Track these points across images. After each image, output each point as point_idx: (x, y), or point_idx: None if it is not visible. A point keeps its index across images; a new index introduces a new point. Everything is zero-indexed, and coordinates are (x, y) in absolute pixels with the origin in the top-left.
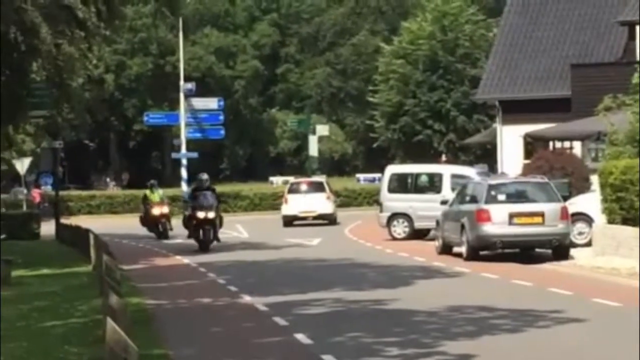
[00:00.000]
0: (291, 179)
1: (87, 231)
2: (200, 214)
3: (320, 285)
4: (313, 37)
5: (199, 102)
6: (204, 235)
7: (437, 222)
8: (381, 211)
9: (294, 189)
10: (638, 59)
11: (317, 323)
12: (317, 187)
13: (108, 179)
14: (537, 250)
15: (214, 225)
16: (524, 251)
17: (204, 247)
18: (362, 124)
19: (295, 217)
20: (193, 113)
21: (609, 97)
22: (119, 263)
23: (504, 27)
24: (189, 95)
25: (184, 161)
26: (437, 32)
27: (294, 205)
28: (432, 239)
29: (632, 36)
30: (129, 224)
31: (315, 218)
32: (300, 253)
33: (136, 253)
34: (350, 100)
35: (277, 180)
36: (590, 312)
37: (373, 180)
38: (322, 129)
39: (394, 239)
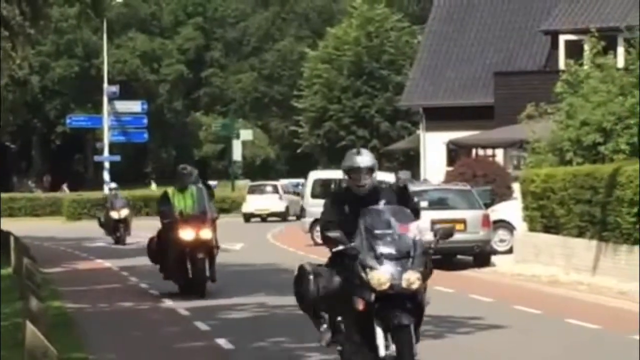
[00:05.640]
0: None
1: (7, 234)
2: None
3: (244, 290)
4: (238, 41)
5: (123, 105)
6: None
7: None
8: (304, 217)
9: (252, 190)
10: (560, 67)
11: (239, 328)
12: (272, 189)
13: (31, 183)
14: (459, 256)
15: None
16: (445, 258)
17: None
18: (287, 129)
19: (252, 214)
20: (117, 116)
21: (531, 105)
22: (40, 266)
23: (428, 35)
24: (112, 98)
25: (107, 164)
26: (363, 38)
27: (252, 204)
28: None
29: (555, 45)
30: (50, 226)
31: (268, 215)
32: (223, 258)
33: (58, 256)
34: (274, 105)
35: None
36: (511, 318)
37: (296, 185)
38: (246, 134)
39: (317, 244)
